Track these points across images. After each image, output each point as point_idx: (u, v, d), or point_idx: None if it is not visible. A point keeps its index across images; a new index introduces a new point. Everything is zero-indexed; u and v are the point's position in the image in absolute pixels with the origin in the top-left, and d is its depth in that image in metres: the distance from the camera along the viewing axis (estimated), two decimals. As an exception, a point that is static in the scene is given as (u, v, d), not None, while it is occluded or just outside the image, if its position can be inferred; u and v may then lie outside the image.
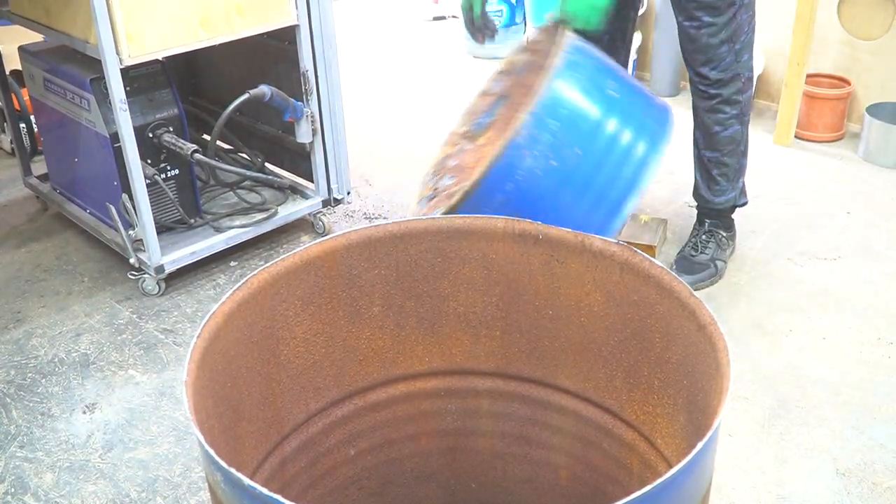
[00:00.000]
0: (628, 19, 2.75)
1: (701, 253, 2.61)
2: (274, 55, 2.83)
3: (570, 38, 2.08)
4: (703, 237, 2.64)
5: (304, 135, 2.79)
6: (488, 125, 2.36)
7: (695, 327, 1.19)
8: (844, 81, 3.51)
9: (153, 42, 2.33)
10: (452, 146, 2.46)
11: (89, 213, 2.86)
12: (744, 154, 2.59)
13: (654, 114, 2.15)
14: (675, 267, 2.61)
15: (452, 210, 2.07)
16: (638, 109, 2.11)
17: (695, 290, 2.51)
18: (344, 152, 2.89)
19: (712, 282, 2.59)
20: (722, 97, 2.45)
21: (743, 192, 2.65)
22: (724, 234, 2.66)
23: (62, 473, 2.00)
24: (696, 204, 2.72)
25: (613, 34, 2.72)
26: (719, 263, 2.62)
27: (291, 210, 2.88)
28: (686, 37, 2.42)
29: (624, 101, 2.08)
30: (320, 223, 2.93)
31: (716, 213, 2.65)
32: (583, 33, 2.69)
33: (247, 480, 0.92)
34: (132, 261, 2.60)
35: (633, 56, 4.04)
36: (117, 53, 2.27)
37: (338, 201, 2.94)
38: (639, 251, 1.31)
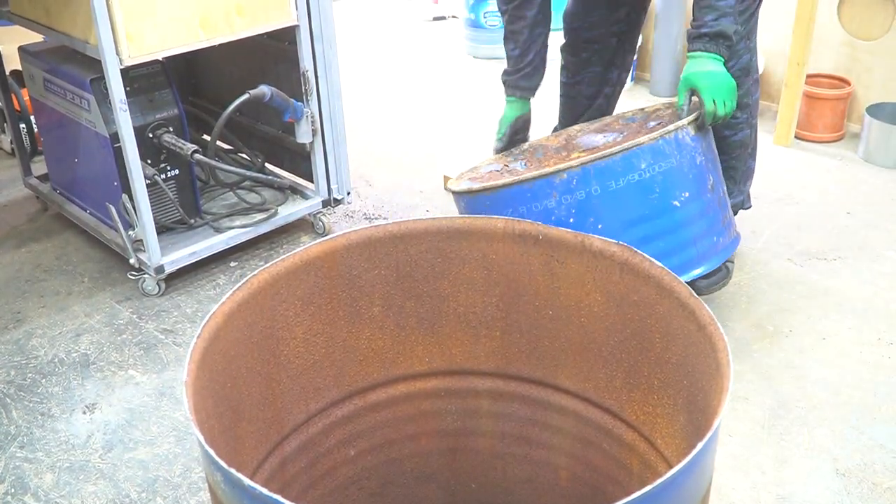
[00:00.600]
0: (638, 23, 2.75)
1: None
2: (274, 55, 2.83)
3: (682, 129, 2.05)
4: None
5: (303, 135, 2.79)
6: (589, 150, 2.38)
7: (695, 327, 1.19)
8: (844, 81, 3.51)
9: (153, 42, 2.32)
10: (556, 140, 2.49)
11: (89, 213, 2.86)
12: (751, 156, 2.59)
13: (705, 246, 2.10)
14: None
15: (471, 193, 2.09)
16: (691, 231, 2.07)
17: (710, 293, 2.52)
18: (344, 152, 2.89)
19: (724, 284, 2.58)
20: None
21: (748, 197, 2.65)
22: None
23: (62, 474, 2.00)
24: None
25: (622, 38, 2.72)
26: (729, 265, 2.60)
27: (291, 210, 2.87)
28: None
29: (680, 217, 2.04)
30: (320, 223, 2.93)
31: None
32: (596, 41, 2.71)
33: (247, 481, 0.92)
34: (132, 261, 2.60)
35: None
36: (117, 54, 2.27)
37: (338, 201, 2.94)
38: (639, 251, 1.31)
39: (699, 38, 2.19)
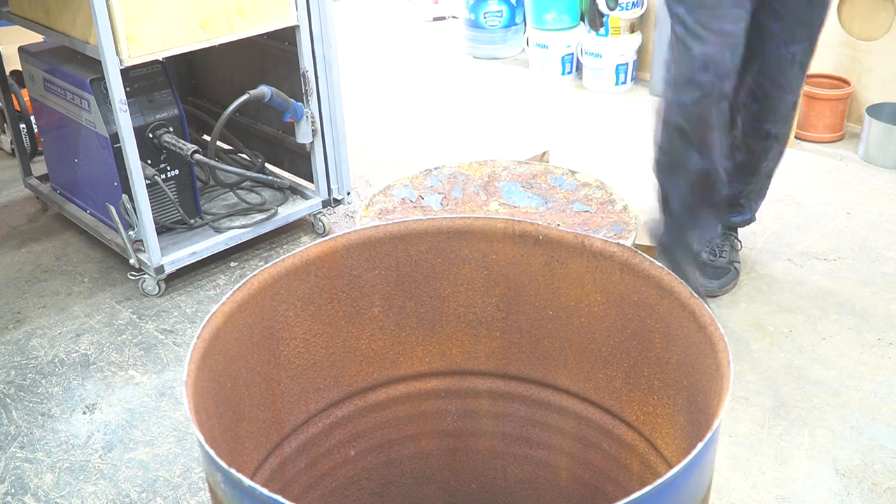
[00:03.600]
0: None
1: (719, 257, 2.59)
2: (274, 56, 2.83)
3: None
4: (719, 241, 2.62)
5: (304, 135, 2.79)
6: (509, 207, 2.38)
7: (695, 328, 1.19)
8: (844, 82, 3.51)
9: (153, 42, 2.33)
10: (480, 171, 2.49)
11: (89, 213, 2.86)
12: (769, 176, 2.61)
13: None
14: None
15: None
16: None
17: (724, 293, 2.52)
18: (344, 153, 2.89)
19: (734, 284, 2.58)
20: (779, 138, 2.46)
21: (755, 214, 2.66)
22: (734, 235, 2.66)
23: (62, 474, 2.00)
24: None
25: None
26: (736, 265, 2.61)
27: (291, 210, 2.88)
28: (791, 63, 2.38)
29: None
30: (320, 223, 2.93)
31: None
32: None
33: (247, 481, 0.92)
34: (132, 261, 2.60)
35: (633, 57, 4.05)
36: (117, 54, 2.27)
37: (338, 202, 2.94)
38: (639, 252, 1.31)
39: None
